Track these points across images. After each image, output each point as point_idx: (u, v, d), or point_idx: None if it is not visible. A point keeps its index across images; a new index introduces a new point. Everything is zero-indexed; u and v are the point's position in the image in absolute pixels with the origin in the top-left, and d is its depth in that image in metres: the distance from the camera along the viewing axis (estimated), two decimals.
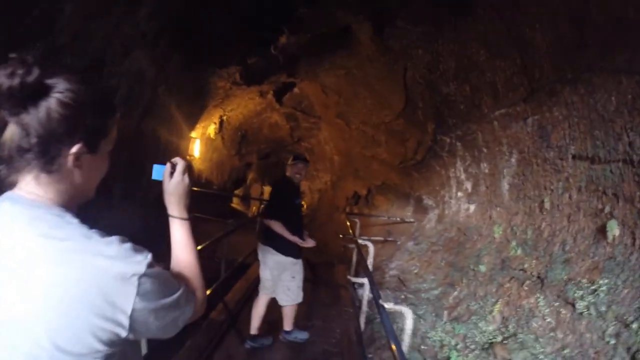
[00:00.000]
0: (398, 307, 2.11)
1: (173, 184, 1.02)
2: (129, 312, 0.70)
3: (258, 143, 14.17)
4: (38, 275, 0.66)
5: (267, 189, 17.70)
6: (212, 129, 9.65)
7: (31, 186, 0.75)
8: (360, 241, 4.36)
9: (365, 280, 3.34)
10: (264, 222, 3.46)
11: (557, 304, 3.07)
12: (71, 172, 0.78)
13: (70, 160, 0.76)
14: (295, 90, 10.08)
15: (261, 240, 3.57)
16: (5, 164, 0.74)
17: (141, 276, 0.72)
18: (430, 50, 4.61)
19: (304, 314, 4.65)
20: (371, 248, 4.30)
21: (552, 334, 2.96)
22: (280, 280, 3.54)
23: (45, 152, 0.73)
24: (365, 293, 3.58)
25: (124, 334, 0.71)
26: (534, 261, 3.59)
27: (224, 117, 9.70)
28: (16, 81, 0.67)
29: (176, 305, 0.81)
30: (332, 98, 8.56)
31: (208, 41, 4.83)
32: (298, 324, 3.96)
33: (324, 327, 4.38)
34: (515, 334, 3.19)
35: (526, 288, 3.44)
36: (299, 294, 3.62)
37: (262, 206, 4.07)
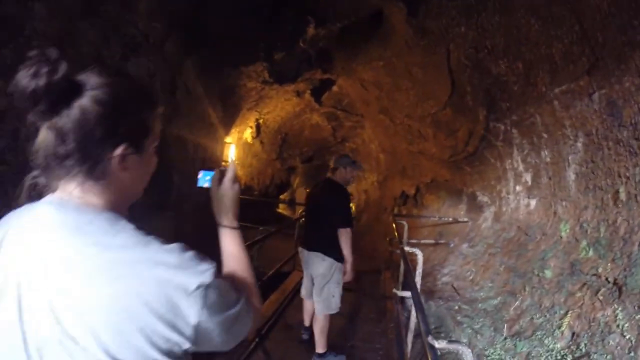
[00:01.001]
0: (454, 347, 1.73)
1: (222, 191, 1.02)
2: (193, 323, 0.68)
3: (300, 146, 14.25)
4: (94, 289, 0.63)
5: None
6: (248, 134, 9.72)
7: (76, 192, 0.72)
8: (407, 248, 3.95)
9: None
10: (334, 230, 3.49)
11: (639, 316, 2.64)
12: (118, 175, 0.75)
13: (115, 163, 0.73)
14: (334, 88, 10.03)
15: (309, 247, 3.63)
16: (43, 172, 0.71)
17: (207, 287, 0.70)
18: (474, 26, 4.26)
19: (343, 331, 4.42)
20: (420, 257, 3.67)
21: (632, 354, 2.54)
22: (323, 285, 3.55)
23: (86, 157, 0.70)
24: (412, 314, 3.27)
25: (186, 345, 0.69)
26: (609, 264, 3.15)
27: (260, 121, 9.72)
28: (42, 82, 0.63)
29: (238, 316, 0.79)
30: (373, 93, 8.37)
31: (225, 39, 4.76)
32: (335, 343, 3.80)
33: (364, 349, 4.09)
34: (588, 354, 2.78)
35: (601, 297, 3.00)
36: (339, 302, 3.61)
37: (302, 211, 3.83)
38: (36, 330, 0.64)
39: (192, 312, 0.67)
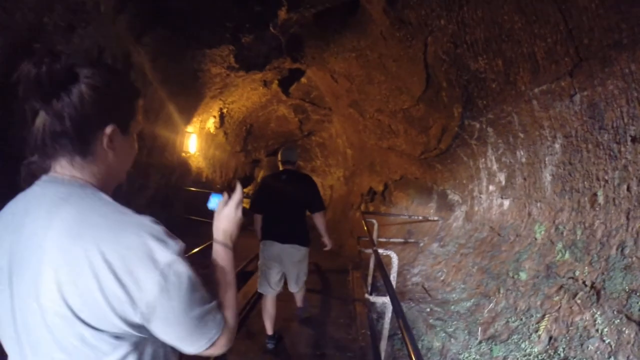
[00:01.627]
0: None
1: (225, 214, 1.09)
2: (147, 298, 0.73)
3: (265, 138, 14.08)
4: (68, 250, 0.72)
5: None
6: (211, 123, 9.40)
7: (67, 169, 0.82)
8: (381, 251, 3.79)
9: (387, 301, 2.92)
10: (304, 218, 3.83)
11: (618, 321, 2.66)
12: (105, 153, 0.86)
13: (104, 141, 0.84)
14: (303, 79, 9.94)
15: (284, 239, 3.76)
16: (38, 152, 0.81)
17: (172, 263, 0.76)
18: (455, 19, 4.19)
19: (313, 338, 4.28)
20: (394, 260, 3.62)
21: (612, 359, 2.54)
22: (298, 270, 3.94)
23: (80, 135, 0.81)
24: (387, 318, 3.17)
25: (137, 318, 0.74)
26: (586, 268, 3.17)
27: (225, 110, 9.41)
28: (44, 69, 0.74)
29: (202, 317, 0.82)
30: (343, 85, 8.22)
31: (187, 17, 4.46)
32: (305, 352, 3.93)
33: (336, 358, 3.94)
34: (566, 358, 2.77)
35: (579, 301, 3.02)
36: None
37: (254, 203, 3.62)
38: (23, 301, 0.76)
39: (150, 286, 0.74)
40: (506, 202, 4.76)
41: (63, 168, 0.83)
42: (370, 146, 9.03)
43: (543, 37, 3.47)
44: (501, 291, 3.88)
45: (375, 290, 5.11)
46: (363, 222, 5.43)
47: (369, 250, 4.78)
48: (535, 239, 4.07)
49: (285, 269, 3.88)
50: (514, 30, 3.72)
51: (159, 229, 0.79)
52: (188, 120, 7.50)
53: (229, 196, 1.14)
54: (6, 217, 0.83)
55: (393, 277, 3.49)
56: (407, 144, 6.85)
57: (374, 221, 5.68)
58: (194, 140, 8.31)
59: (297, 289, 4.12)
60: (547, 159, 3.97)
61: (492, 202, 5.00)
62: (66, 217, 0.75)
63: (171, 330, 0.79)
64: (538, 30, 3.47)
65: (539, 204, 4.15)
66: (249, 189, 20.27)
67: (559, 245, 3.64)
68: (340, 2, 5.34)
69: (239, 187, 1.14)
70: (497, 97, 4.34)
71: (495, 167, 4.87)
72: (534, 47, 3.61)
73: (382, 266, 2.90)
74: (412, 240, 6.16)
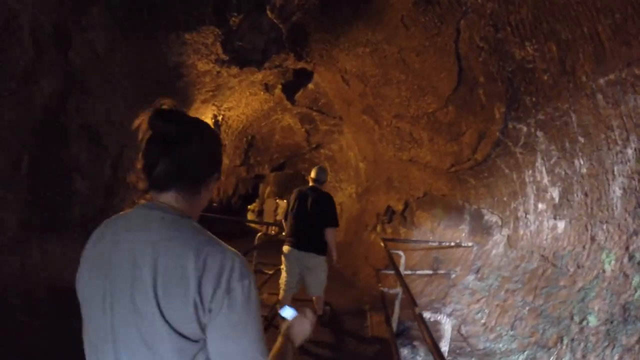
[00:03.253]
0: None
1: (303, 330, 1.37)
2: (220, 307, 1.00)
3: (270, 151, 13.74)
4: (169, 260, 1.00)
5: (283, 204, 17.80)
6: None
7: (172, 202, 1.12)
8: (428, 315, 2.96)
9: None
10: (325, 230, 4.59)
11: None
12: (203, 195, 1.20)
13: (209, 185, 1.21)
14: (310, 85, 9.58)
15: (303, 248, 4.55)
16: (153, 185, 1.13)
17: (246, 288, 1.04)
18: None
19: None
20: (447, 326, 2.89)
21: None
22: (314, 276, 4.65)
23: (195, 181, 1.16)
24: None
25: (205, 318, 0.99)
26: None
27: (220, 118, 8.96)
28: (173, 128, 1.09)
29: (253, 346, 1.04)
30: (356, 88, 7.75)
31: None
32: None
33: None
34: None
35: None
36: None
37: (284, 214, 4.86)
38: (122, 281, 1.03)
39: (225, 301, 1.00)
40: (561, 224, 4.17)
41: (169, 200, 1.12)
42: (387, 159, 8.52)
43: (609, 11, 3.02)
44: (564, 341, 3.25)
45: (405, 339, 4.41)
46: (385, 250, 4.86)
47: (395, 291, 4.20)
48: (604, 270, 3.48)
49: (303, 274, 4.63)
50: (570, 6, 3.26)
51: (242, 261, 1.06)
52: None
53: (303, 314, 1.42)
54: (108, 232, 1.13)
55: (445, 349, 2.74)
56: (432, 155, 6.34)
57: (401, 252, 5.10)
58: None
59: (314, 294, 4.80)
60: (616, 168, 3.45)
61: (543, 223, 4.42)
62: (176, 240, 1.03)
63: (227, 341, 1.02)
64: (601, 3, 3.03)
65: (605, 226, 3.59)
66: (254, 206, 19.88)
67: (636, 280, 3.12)
68: None
69: (310, 313, 1.41)
70: (549, 92, 3.82)
71: (546, 180, 4.31)
72: (597, 25, 3.15)
73: (430, 336, 2.15)
74: (442, 272, 5.50)
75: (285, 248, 4.64)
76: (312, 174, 4.84)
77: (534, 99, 3.96)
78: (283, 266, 4.71)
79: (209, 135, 1.18)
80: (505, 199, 5.00)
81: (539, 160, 4.29)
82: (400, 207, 8.37)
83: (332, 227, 4.62)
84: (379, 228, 9.19)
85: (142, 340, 0.99)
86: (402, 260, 5.10)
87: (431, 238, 6.62)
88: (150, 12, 4.19)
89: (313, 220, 4.57)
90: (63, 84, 3.51)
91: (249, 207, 18.50)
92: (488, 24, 3.95)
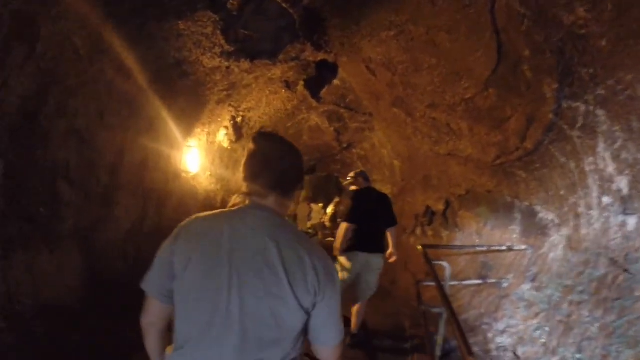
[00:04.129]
0: None
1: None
2: (328, 289, 1.43)
3: None
4: (288, 249, 1.39)
5: (317, 208, 18.04)
6: (223, 136, 8.68)
7: (273, 205, 1.49)
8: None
9: None
10: (387, 230, 5.02)
11: None
12: (290, 201, 1.61)
13: (295, 194, 1.61)
14: (336, 82, 9.36)
15: (372, 249, 4.80)
16: (254, 189, 1.48)
17: (337, 276, 1.52)
18: None
19: None
20: None
21: None
22: (375, 278, 4.91)
23: (287, 190, 1.54)
24: None
25: (317, 298, 1.41)
26: None
27: (239, 119, 8.68)
28: (272, 147, 1.54)
29: (340, 319, 1.52)
30: (384, 78, 7.30)
31: None
32: None
33: None
34: None
35: None
36: None
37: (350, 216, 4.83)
38: (244, 260, 1.37)
39: (330, 285, 1.43)
40: (632, 220, 3.62)
41: (272, 204, 1.49)
42: (423, 154, 8.06)
43: None
44: None
45: None
46: (425, 260, 4.44)
47: (438, 310, 3.76)
48: None
49: (363, 278, 4.85)
50: None
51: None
52: (188, 130, 6.73)
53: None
54: (218, 224, 1.44)
55: None
56: (474, 147, 5.85)
57: (445, 264, 4.65)
58: (196, 156, 7.55)
59: (365, 297, 4.95)
60: None
61: (609, 220, 3.85)
62: (287, 235, 1.43)
63: (330, 315, 1.45)
64: None
65: None
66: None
67: None
68: None
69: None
70: (609, 61, 3.28)
71: (610, 168, 3.75)
72: None
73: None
74: (491, 281, 4.98)
75: (351, 253, 4.78)
76: (360, 177, 5.23)
77: (590, 71, 3.42)
78: (339, 267, 4.83)
79: (296, 153, 1.57)
80: (562, 192, 4.45)
81: (601, 145, 3.72)
82: (441, 207, 7.87)
83: (394, 225, 5.07)
84: (418, 231, 8.76)
85: (272, 315, 1.32)
86: (447, 273, 4.64)
87: (477, 241, 6.11)
88: (131, 2, 3.87)
89: (379, 221, 4.94)
90: (37, 83, 3.25)
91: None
92: None
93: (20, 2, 2.76)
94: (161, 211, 6.60)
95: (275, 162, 1.47)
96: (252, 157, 1.48)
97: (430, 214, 8.42)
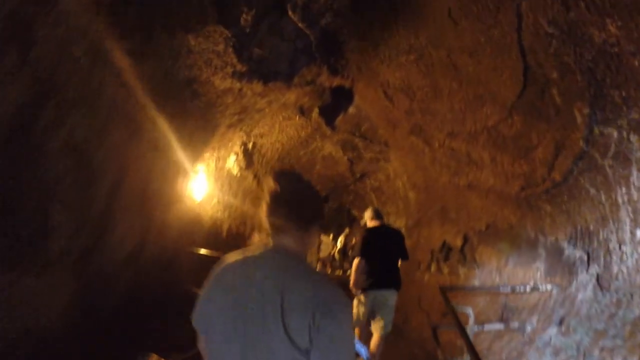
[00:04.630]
0: None
1: None
2: (328, 329, 1.44)
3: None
4: (297, 291, 1.48)
5: (327, 240, 18.50)
6: (233, 162, 8.62)
7: (290, 243, 1.60)
8: None
9: None
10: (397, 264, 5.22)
11: None
12: (311, 238, 1.69)
13: (315, 231, 1.69)
14: (351, 109, 9.39)
15: (387, 285, 5.03)
16: (273, 226, 1.61)
17: (346, 319, 1.53)
18: None
19: None
20: None
21: None
22: (390, 312, 5.03)
23: (307, 227, 1.63)
24: None
25: (313, 339, 1.44)
26: None
27: (250, 145, 8.62)
28: (292, 186, 1.64)
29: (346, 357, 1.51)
30: (401, 105, 7.24)
31: None
32: None
33: None
34: None
35: None
36: None
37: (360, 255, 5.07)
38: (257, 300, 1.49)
39: (331, 327, 1.44)
40: None
41: (290, 242, 1.60)
42: (441, 185, 7.88)
43: None
44: None
45: None
46: (445, 303, 4.20)
47: None
48: None
49: (378, 313, 4.98)
50: None
51: (342, 293, 1.54)
52: (195, 156, 6.63)
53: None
54: (236, 269, 1.61)
55: None
56: (496, 178, 5.67)
57: (469, 311, 4.42)
58: (202, 182, 7.48)
59: (382, 334, 4.97)
60: None
61: None
62: (295, 277, 1.52)
63: (328, 352, 1.43)
64: None
65: None
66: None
67: None
68: None
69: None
70: None
71: None
72: None
73: None
74: (514, 326, 4.69)
75: (371, 292, 4.97)
76: (372, 214, 5.40)
77: (623, 93, 3.26)
78: (356, 303, 5.02)
79: (315, 193, 1.69)
80: (591, 227, 4.23)
81: (635, 174, 3.52)
82: (459, 242, 7.59)
83: (405, 260, 5.29)
84: (433, 267, 8.45)
85: (268, 348, 1.44)
86: (471, 321, 4.40)
87: (498, 279, 5.81)
88: (140, 9, 3.78)
89: (393, 257, 5.16)
90: (33, 91, 3.12)
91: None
92: (556, 1, 3.33)
93: (15, 3, 2.67)
94: (163, 238, 6.46)
95: (295, 201, 1.60)
96: (273, 196, 1.59)
97: (447, 249, 8.10)
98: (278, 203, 1.59)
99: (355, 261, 4.96)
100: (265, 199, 1.61)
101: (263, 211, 1.63)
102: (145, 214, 5.75)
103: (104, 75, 3.85)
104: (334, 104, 8.97)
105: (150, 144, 5.10)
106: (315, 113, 8.96)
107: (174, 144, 5.42)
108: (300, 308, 1.43)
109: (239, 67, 5.29)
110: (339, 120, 9.51)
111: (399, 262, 5.26)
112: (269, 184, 1.60)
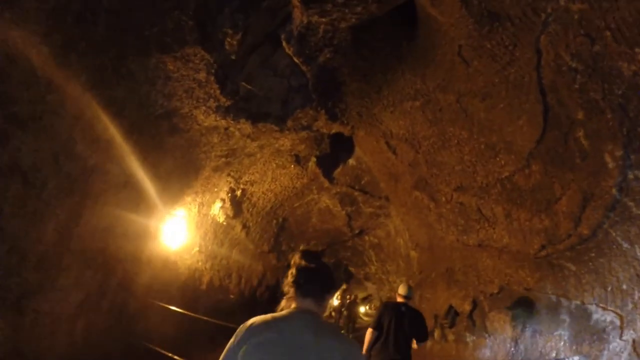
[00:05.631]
0: None
1: None
2: None
3: (306, 237, 13.31)
4: (335, 346, 1.90)
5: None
6: (219, 209, 8.39)
7: (312, 307, 2.01)
8: None
9: None
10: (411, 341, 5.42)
11: None
12: (327, 302, 2.15)
13: (329, 298, 2.15)
14: (351, 161, 9.37)
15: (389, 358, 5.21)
16: (299, 292, 2.04)
17: None
18: None
19: None
20: None
21: None
22: None
23: (325, 295, 2.09)
24: None
25: None
26: None
27: (238, 192, 8.39)
28: (316, 263, 2.16)
29: None
30: (405, 157, 7.14)
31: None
32: None
33: None
34: None
35: None
36: None
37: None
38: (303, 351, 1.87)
39: None
40: None
41: (310, 306, 2.01)
42: (447, 244, 7.68)
43: None
44: None
45: None
46: None
47: None
48: None
49: None
50: None
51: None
52: (173, 199, 6.41)
53: None
54: (274, 325, 1.93)
55: None
56: (511, 236, 5.46)
57: None
58: (183, 229, 7.19)
59: None
60: None
61: None
62: (325, 332, 1.93)
63: None
64: None
65: None
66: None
67: None
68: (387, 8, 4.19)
69: None
70: None
71: None
72: None
73: None
74: None
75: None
76: (403, 291, 5.62)
77: None
78: None
79: (331, 270, 2.23)
80: (624, 286, 4.04)
81: None
82: (467, 306, 7.31)
83: (424, 341, 5.61)
84: (437, 334, 8.22)
85: None
86: None
87: (513, 350, 5.48)
88: (112, 20, 3.54)
89: (408, 337, 5.32)
90: None
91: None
92: (579, 33, 3.22)
93: None
94: (129, 287, 6.12)
95: (317, 275, 2.08)
96: (300, 271, 2.06)
97: (453, 314, 7.88)
98: (304, 277, 2.06)
99: (368, 331, 5.35)
100: (292, 271, 2.10)
101: (288, 280, 2.11)
102: (106, 258, 5.42)
103: (65, 92, 3.56)
104: (333, 154, 8.89)
105: (119, 180, 4.79)
106: (312, 163, 8.83)
107: (147, 183, 5.08)
108: (336, 358, 1.86)
109: (222, 100, 5.07)
110: (338, 172, 9.45)
111: (413, 342, 5.39)
112: (296, 259, 2.13)
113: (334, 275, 2.25)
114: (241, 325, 2.00)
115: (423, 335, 5.46)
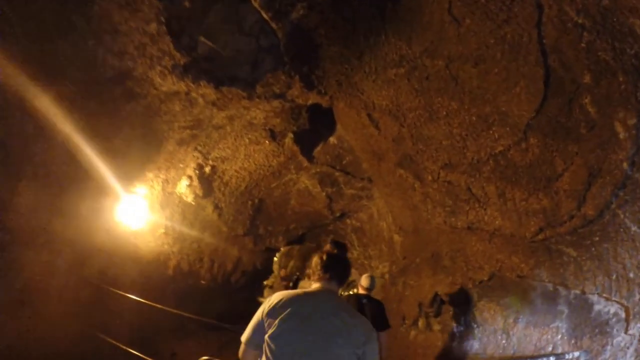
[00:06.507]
0: None
1: None
2: (370, 344, 2.65)
3: (286, 221, 12.94)
4: (351, 320, 2.65)
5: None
6: (185, 188, 8.12)
7: (334, 288, 2.78)
8: None
9: None
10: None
11: None
12: (343, 286, 4.09)
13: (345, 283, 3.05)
14: (332, 140, 9.21)
15: None
16: (324, 277, 2.78)
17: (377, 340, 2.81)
18: None
19: None
20: None
21: None
22: None
23: (343, 280, 2.89)
24: None
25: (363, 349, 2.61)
26: None
27: (207, 169, 8.09)
28: (338, 255, 3.16)
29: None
30: (389, 131, 6.93)
31: None
32: None
33: None
34: None
35: None
36: None
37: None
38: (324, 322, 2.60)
39: (371, 344, 2.63)
40: None
41: (331, 286, 2.72)
42: (433, 228, 7.56)
43: None
44: None
45: None
46: None
47: None
48: None
49: None
50: None
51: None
52: (132, 175, 6.16)
53: None
54: (304, 298, 2.64)
55: None
56: (505, 218, 5.34)
57: None
58: (144, 208, 6.95)
59: None
60: None
61: None
62: (344, 307, 2.70)
63: (373, 353, 2.61)
64: None
65: None
66: (272, 282, 19.81)
67: None
68: None
69: None
70: None
71: None
72: None
73: None
74: None
75: None
76: (365, 283, 5.96)
77: None
78: None
79: (349, 260, 2.99)
80: (631, 275, 3.98)
81: None
82: (455, 295, 7.13)
83: (384, 330, 5.57)
84: (421, 323, 8.09)
85: (337, 356, 2.44)
86: None
87: (504, 342, 5.39)
88: None
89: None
90: None
91: (265, 282, 18.71)
92: None
93: None
94: (80, 271, 5.91)
95: (343, 263, 2.87)
96: (328, 257, 2.75)
97: (439, 302, 7.75)
98: (330, 263, 2.69)
99: None
100: (322, 256, 2.74)
101: (316, 263, 2.73)
102: (52, 239, 5.23)
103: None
104: (313, 131, 8.71)
105: (62, 153, 4.52)
106: (289, 139, 8.58)
107: (99, 157, 4.73)
108: (357, 333, 2.49)
109: (177, 57, 4.66)
110: (318, 151, 9.30)
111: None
112: (327, 247, 3.26)
113: (349, 263, 2.97)
114: (268, 298, 2.56)
115: (380, 323, 5.55)
